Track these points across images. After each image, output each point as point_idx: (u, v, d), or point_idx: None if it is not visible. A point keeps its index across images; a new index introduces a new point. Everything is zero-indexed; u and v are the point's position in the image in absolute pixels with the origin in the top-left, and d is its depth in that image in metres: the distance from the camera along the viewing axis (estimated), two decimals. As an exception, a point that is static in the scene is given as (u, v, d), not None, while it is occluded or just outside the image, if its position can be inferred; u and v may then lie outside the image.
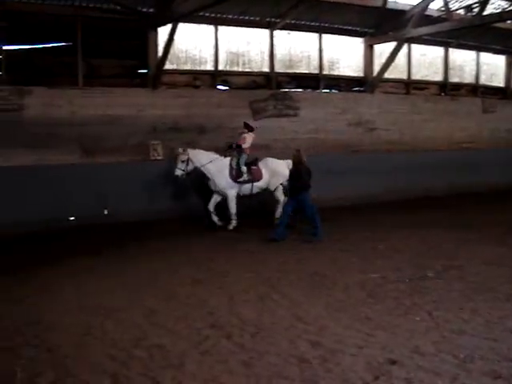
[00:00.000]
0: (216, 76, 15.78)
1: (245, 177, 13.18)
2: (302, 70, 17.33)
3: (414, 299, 7.61)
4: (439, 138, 19.35)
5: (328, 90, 17.77)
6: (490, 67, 21.62)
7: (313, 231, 11.87)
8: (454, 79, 20.53)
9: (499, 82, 22.04)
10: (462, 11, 17.79)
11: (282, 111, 16.43)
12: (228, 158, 13.29)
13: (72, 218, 13.19)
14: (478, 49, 20.79)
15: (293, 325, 6.78)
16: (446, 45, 19.84)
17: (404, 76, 19.33)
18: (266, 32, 16.40)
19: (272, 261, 10.09)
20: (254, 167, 13.36)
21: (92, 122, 13.68)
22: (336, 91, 17.96)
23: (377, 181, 17.06)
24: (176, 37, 13.93)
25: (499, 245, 10.86)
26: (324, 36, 17.42)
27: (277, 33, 16.48)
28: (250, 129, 13.42)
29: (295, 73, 17.18)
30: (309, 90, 17.38)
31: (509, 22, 17.95)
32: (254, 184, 13.36)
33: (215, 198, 13.27)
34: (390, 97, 18.79)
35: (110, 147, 13.77)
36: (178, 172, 12.88)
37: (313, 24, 16.93)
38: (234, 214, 13.14)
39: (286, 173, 13.05)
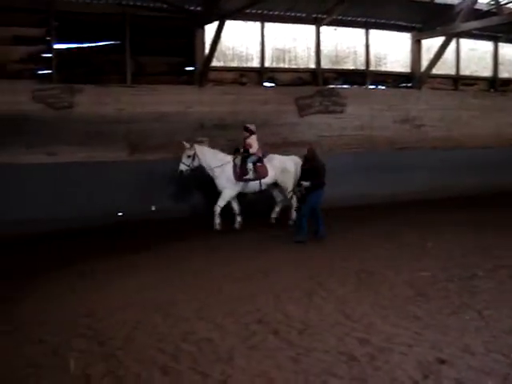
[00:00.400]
0: (262, 73, 15.80)
1: (250, 175, 12.90)
2: (349, 66, 17.21)
3: (464, 298, 7.50)
4: (487, 134, 18.92)
5: (375, 86, 17.61)
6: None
7: (319, 229, 11.63)
8: (503, 74, 20.06)
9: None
10: (511, 5, 17.39)
11: (328, 108, 16.35)
12: (232, 157, 13.04)
13: (120, 214, 13.40)
14: (529, 43, 20.30)
15: (340, 322, 6.76)
16: (496, 39, 19.39)
17: (452, 71, 18.98)
18: (312, 28, 16.33)
19: (316, 258, 10.08)
20: (259, 164, 13.07)
21: (139, 119, 13.88)
22: (383, 87, 17.78)
23: (423, 178, 16.87)
24: (223, 34, 14.02)
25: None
26: (371, 31, 17.23)
27: (323, 29, 16.39)
28: (251, 132, 13.11)
29: (342, 69, 17.06)
30: (355, 86, 17.26)
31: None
32: (262, 181, 13.08)
33: (234, 199, 13.11)
34: (437, 93, 18.48)
35: (157, 144, 13.94)
36: (183, 167, 12.58)
37: (359, 19, 16.79)
38: (219, 208, 12.73)
39: (293, 169, 13.09)
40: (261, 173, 13.03)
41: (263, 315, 7.07)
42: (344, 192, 15.37)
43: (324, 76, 16.63)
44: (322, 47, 16.49)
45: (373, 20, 16.95)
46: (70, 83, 13.44)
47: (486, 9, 16.88)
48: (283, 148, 15.37)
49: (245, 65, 15.70)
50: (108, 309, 7.47)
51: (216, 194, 12.96)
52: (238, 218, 13.06)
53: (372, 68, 17.45)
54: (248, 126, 13.17)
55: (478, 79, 19.61)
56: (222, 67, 15.34)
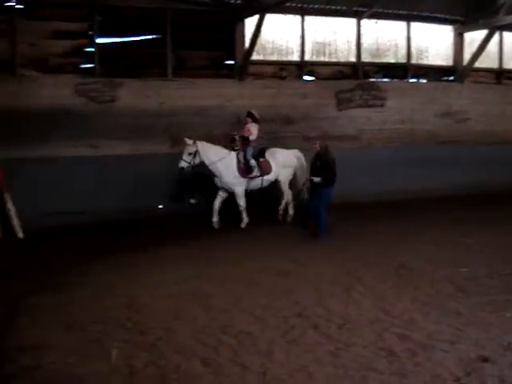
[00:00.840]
0: (302, 66, 15.75)
1: (255, 171, 12.45)
2: (390, 59, 17.02)
3: (507, 295, 7.40)
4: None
5: (416, 80, 17.40)
6: None
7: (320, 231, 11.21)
8: (548, 68, 19.61)
9: None
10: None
11: (368, 101, 16.23)
12: (234, 153, 12.51)
13: (161, 207, 13.53)
14: None
15: (379, 317, 6.74)
16: (540, 32, 18.97)
17: (495, 65, 18.61)
18: (353, 21, 16.21)
19: (355, 253, 10.02)
20: (261, 159, 12.60)
21: (180, 112, 13.98)
22: (424, 81, 17.56)
23: (464, 173, 16.57)
24: (263, 27, 14.02)
25: None
26: (412, 24, 17.01)
27: (364, 22, 16.26)
28: (255, 119, 12.67)
29: (382, 62, 16.90)
30: (396, 79, 17.09)
31: None
32: (264, 178, 12.63)
33: (221, 196, 12.59)
34: (480, 87, 18.14)
35: (197, 137, 13.98)
36: (183, 164, 11.96)
37: (401, 12, 16.57)
38: (244, 210, 12.42)
39: (295, 163, 12.88)
40: (264, 169, 12.59)
41: (302, 309, 7.08)
42: (384, 186, 15.29)
43: (364, 69, 16.51)
44: (362, 40, 16.36)
45: (414, 13, 16.70)
46: (111, 77, 13.63)
47: (530, 1, 16.51)
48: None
49: (285, 58, 15.67)
50: (148, 300, 7.58)
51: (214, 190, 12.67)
52: (215, 218, 12.49)
53: (413, 61, 17.23)
54: (252, 111, 12.76)
55: (522, 73, 19.20)
56: (262, 61, 15.34)
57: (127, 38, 14.17)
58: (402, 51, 17.12)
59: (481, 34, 17.13)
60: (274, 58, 15.56)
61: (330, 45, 16.15)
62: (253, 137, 12.49)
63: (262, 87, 15.03)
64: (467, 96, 17.63)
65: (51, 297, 7.81)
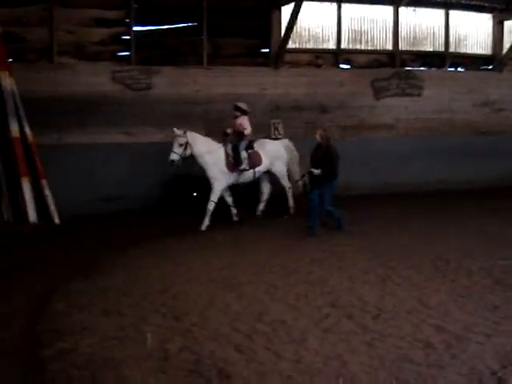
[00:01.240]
0: (338, 54, 15.61)
1: (245, 164, 11.69)
2: (427, 47, 16.78)
3: (544, 289, 7.27)
4: None
5: (454, 69, 17.11)
6: None
7: (338, 224, 10.81)
8: None
9: None
10: None
11: (405, 90, 16.01)
12: (223, 146, 11.76)
13: (194, 194, 13.50)
14: None
15: (415, 308, 6.68)
16: None
17: (536, 54, 18.22)
18: (390, 9, 16.00)
19: (391, 243, 9.92)
20: (250, 151, 11.84)
21: (215, 100, 14.00)
22: (462, 70, 17.26)
23: (503, 164, 16.29)
24: (299, 15, 13.91)
25: None
26: (451, 12, 16.71)
27: (402, 10, 16.03)
28: (243, 112, 11.91)
29: (420, 51, 16.66)
30: (434, 68, 16.82)
31: None
32: (256, 170, 11.93)
33: (226, 191, 11.94)
34: (520, 76, 17.80)
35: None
36: (174, 156, 11.17)
37: (439, 0, 16.30)
38: (213, 204, 11.45)
39: (284, 155, 12.38)
40: (255, 161, 11.88)
41: (336, 298, 7.06)
42: (420, 177, 15.14)
43: (401, 58, 16.29)
44: (400, 28, 16.13)
45: (453, 0, 16.39)
46: (147, 65, 13.70)
47: None
48: (359, 131, 15.29)
49: (321, 46, 15.55)
50: (182, 286, 7.64)
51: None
52: (234, 211, 12.05)
53: (451, 50, 16.93)
54: (239, 104, 11.98)
55: None
56: (298, 49, 15.25)
57: (163, 25, 14.19)
58: (440, 39, 16.83)
59: (522, 22, 16.77)
60: (310, 45, 15.46)
61: (366, 33, 15.98)
62: (248, 131, 11.77)
63: (298, 75, 14.96)
64: (506, 85, 17.25)
65: (87, 282, 7.93)
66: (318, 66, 15.48)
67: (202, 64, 14.25)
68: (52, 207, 11.68)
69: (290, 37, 14.34)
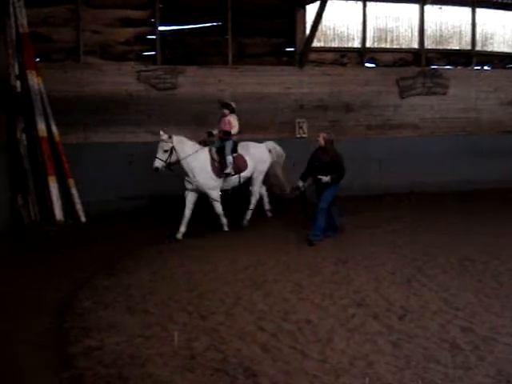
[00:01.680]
0: (363, 53, 15.54)
1: (230, 168, 10.89)
2: (453, 46, 16.60)
3: None
4: None
5: (480, 67, 16.93)
6: None
7: (313, 232, 10.03)
8: None
9: None
10: None
11: (430, 89, 15.86)
12: (206, 148, 10.96)
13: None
14: None
15: (442, 309, 6.64)
16: None
17: None
18: (415, 7, 15.88)
19: (417, 243, 9.84)
20: (235, 154, 11.09)
21: (240, 99, 13.95)
22: (488, 68, 17.07)
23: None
24: (324, 14, 13.86)
25: None
26: (477, 10, 16.53)
27: (427, 8, 15.90)
28: (232, 110, 11.20)
29: (446, 49, 16.49)
30: (460, 66, 16.66)
31: None
32: (241, 175, 11.22)
33: (191, 201, 10.85)
34: (548, 74, 17.55)
35: (258, 124, 14.03)
36: (158, 164, 10.33)
37: (466, -2, 16.19)
38: (222, 215, 10.97)
39: (268, 159, 11.68)
40: (240, 165, 11.15)
41: (362, 298, 7.04)
42: (446, 176, 15.00)
43: (427, 56, 16.15)
44: (425, 27, 16.00)
45: (480, -2, 16.28)
46: (172, 64, 13.76)
47: None
48: (384, 130, 15.22)
49: (346, 45, 15.49)
50: (208, 285, 7.67)
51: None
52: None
53: (478, 48, 16.75)
54: (227, 101, 11.38)
55: None
56: (323, 47, 15.20)
57: (188, 25, 14.24)
58: (467, 38, 16.65)
59: (550, 19, 16.53)
60: (335, 44, 15.40)
61: (391, 31, 15.87)
62: (235, 130, 11.04)
63: (323, 74, 14.92)
64: (534, 84, 17.06)
65: (112, 279, 8.01)
66: (343, 64, 15.41)
67: (226, 63, 14.28)
68: (78, 206, 11.81)
69: (314, 35, 14.30)
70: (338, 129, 14.38)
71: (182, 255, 9.26)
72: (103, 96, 13.04)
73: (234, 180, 11.18)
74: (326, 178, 9.75)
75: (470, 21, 16.55)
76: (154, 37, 13.79)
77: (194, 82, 13.82)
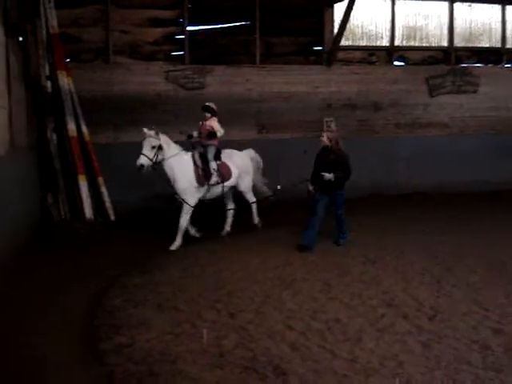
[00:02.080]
0: (392, 51, 15.46)
1: (215, 177, 10.18)
2: (483, 43, 16.45)
3: None
4: None
5: (510, 65, 16.72)
6: None
7: (340, 236, 9.90)
8: None
9: None
10: None
11: (460, 87, 15.74)
12: (190, 153, 10.27)
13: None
14: None
15: (472, 310, 6.58)
16: None
17: None
18: (445, 5, 15.76)
19: (446, 244, 9.74)
20: (219, 162, 10.35)
21: (268, 98, 14.07)
22: (520, 66, 16.87)
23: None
24: (352, 12, 13.82)
25: None
26: (508, 8, 16.32)
27: (457, 5, 15.76)
28: (214, 113, 10.43)
29: (476, 47, 16.34)
30: (490, 64, 16.48)
31: None
32: (225, 184, 10.45)
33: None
34: None
35: (285, 123, 14.07)
36: (144, 160, 9.52)
37: (496, -5, 16.00)
38: (182, 229, 9.94)
39: (251, 168, 11.03)
40: (224, 174, 10.39)
41: (391, 298, 7.01)
42: (476, 176, 14.83)
43: (457, 54, 16.01)
44: (455, 24, 15.86)
45: (510, -5, 16.07)
46: (200, 64, 13.82)
47: None
48: (413, 129, 15.12)
49: (374, 43, 15.44)
50: (237, 283, 7.70)
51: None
52: (195, 233, 10.49)
53: (508, 46, 16.55)
54: (209, 104, 10.50)
55: None
56: (351, 46, 15.16)
57: (217, 25, 14.29)
58: (497, 35, 16.49)
59: None
60: (363, 43, 15.36)
61: (420, 29, 15.78)
62: (220, 133, 10.26)
63: (351, 73, 14.89)
64: None
65: (143, 277, 8.09)
66: (372, 63, 15.33)
67: (254, 63, 14.31)
68: (108, 204, 11.93)
69: (343, 34, 14.27)
70: (366, 128, 14.35)
71: (212, 254, 9.30)
72: (132, 96, 13.17)
73: (218, 190, 10.39)
74: (328, 175, 9.35)
75: (499, 18, 16.40)
76: (182, 37, 13.87)
77: (222, 82, 13.88)
